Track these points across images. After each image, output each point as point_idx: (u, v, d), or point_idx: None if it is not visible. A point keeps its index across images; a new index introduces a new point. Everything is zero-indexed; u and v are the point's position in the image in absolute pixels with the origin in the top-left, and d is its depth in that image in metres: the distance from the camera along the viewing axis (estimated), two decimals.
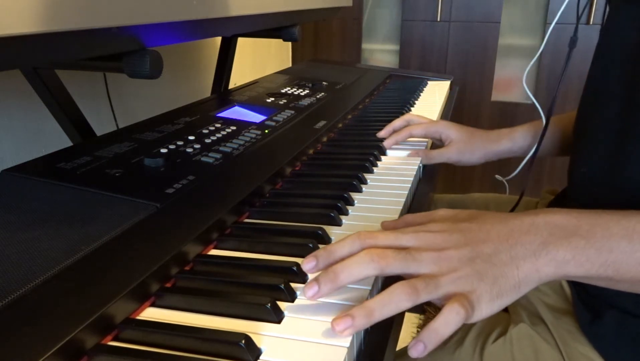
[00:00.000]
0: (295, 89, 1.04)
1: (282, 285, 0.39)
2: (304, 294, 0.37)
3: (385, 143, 0.76)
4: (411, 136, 0.78)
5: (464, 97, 2.07)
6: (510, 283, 0.37)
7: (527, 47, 1.99)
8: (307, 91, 1.03)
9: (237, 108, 0.85)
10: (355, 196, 0.58)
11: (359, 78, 1.24)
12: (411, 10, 2.06)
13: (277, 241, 0.47)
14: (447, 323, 0.35)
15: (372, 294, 0.40)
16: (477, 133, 0.79)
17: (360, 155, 0.71)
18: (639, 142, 0.50)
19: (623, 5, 0.55)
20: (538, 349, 0.56)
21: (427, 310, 0.85)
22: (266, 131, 0.74)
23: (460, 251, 0.38)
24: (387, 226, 0.47)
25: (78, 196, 0.49)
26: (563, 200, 0.72)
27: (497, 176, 0.85)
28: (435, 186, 0.78)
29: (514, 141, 0.78)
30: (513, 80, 2.05)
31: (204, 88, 1.46)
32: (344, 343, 0.34)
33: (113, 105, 1.12)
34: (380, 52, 2.21)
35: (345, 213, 0.54)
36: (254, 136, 0.72)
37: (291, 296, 0.39)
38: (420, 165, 0.71)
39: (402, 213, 0.55)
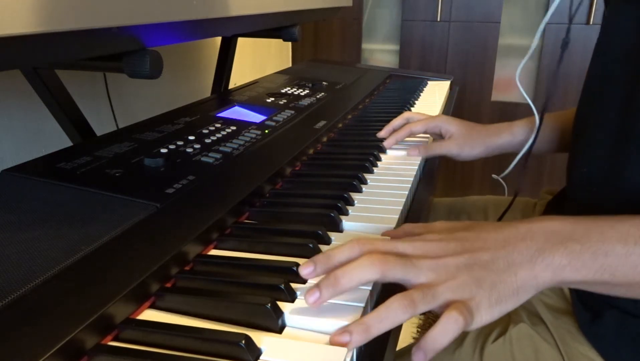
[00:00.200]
0: (295, 89, 1.04)
1: (282, 285, 0.39)
2: (305, 301, 0.37)
3: (386, 143, 0.76)
4: (411, 133, 0.78)
5: (464, 97, 2.07)
6: (508, 290, 0.37)
7: (527, 47, 1.99)
8: (307, 91, 1.03)
9: (237, 108, 0.85)
10: (355, 196, 0.58)
11: (359, 78, 1.24)
12: (411, 10, 2.06)
13: (277, 241, 0.47)
14: (445, 331, 0.35)
15: (372, 295, 0.40)
16: (476, 127, 0.79)
17: (360, 155, 0.71)
18: (638, 143, 0.50)
19: (621, 5, 0.55)
20: (538, 349, 0.56)
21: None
22: (266, 131, 0.74)
23: (457, 258, 0.38)
24: (386, 236, 0.48)
25: (78, 196, 0.49)
26: (562, 200, 0.72)
27: (493, 175, 0.85)
28: (435, 187, 0.78)
29: (513, 134, 0.78)
30: (513, 80, 2.05)
31: (204, 88, 1.46)
32: None
33: (113, 105, 1.12)
34: (380, 52, 2.21)
35: (345, 213, 0.54)
36: (254, 136, 0.72)
37: (291, 296, 0.39)
38: (421, 165, 0.71)
39: (402, 214, 0.55)
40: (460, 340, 0.59)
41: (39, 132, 0.97)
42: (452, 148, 0.76)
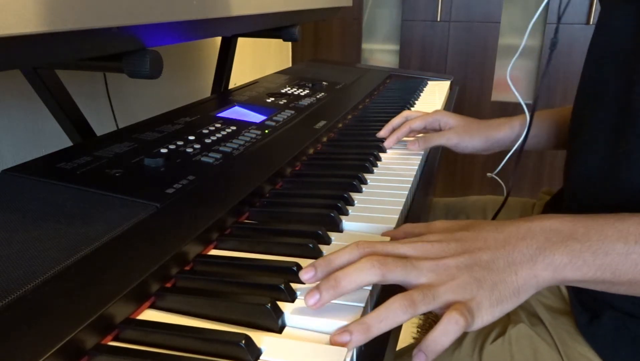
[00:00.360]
0: (295, 89, 1.04)
1: (282, 285, 0.39)
2: (305, 303, 0.37)
3: (387, 143, 0.76)
4: (411, 130, 0.78)
5: (464, 97, 2.07)
6: (509, 289, 0.37)
7: (527, 47, 1.99)
8: (307, 91, 1.03)
9: (237, 108, 0.85)
10: (355, 196, 0.58)
11: (359, 78, 1.24)
12: (411, 10, 2.06)
13: (277, 241, 0.47)
14: (446, 332, 0.35)
15: (373, 296, 0.40)
16: (475, 121, 0.79)
17: (360, 155, 0.71)
18: (634, 143, 0.50)
19: (614, 5, 0.55)
20: (537, 349, 0.56)
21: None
22: (266, 131, 0.74)
23: (457, 259, 0.38)
24: (386, 236, 0.48)
25: (78, 196, 0.49)
26: (560, 200, 0.72)
27: (488, 174, 0.85)
28: (435, 187, 0.78)
29: (513, 128, 0.77)
30: (513, 80, 2.05)
31: (204, 88, 1.46)
32: None
33: (113, 105, 1.12)
34: (380, 52, 2.21)
35: (345, 213, 0.54)
36: (254, 136, 0.72)
37: (291, 296, 0.39)
38: (421, 165, 0.71)
39: (402, 214, 0.55)
40: (459, 340, 0.59)
41: (39, 132, 0.97)
42: (451, 137, 0.76)
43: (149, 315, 0.38)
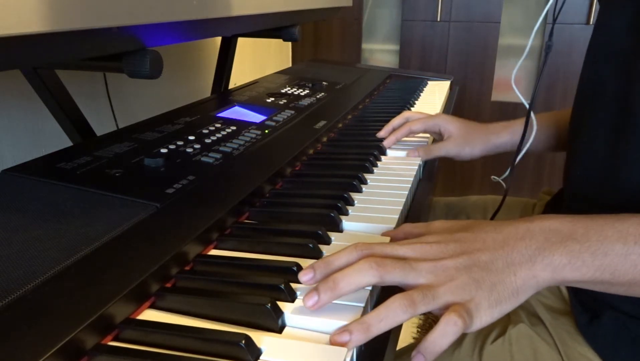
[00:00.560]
0: (295, 89, 1.04)
1: (282, 285, 0.39)
2: (303, 304, 0.37)
3: (386, 142, 0.76)
4: (411, 132, 0.78)
5: (464, 97, 2.07)
6: (508, 290, 0.37)
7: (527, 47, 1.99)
8: (307, 91, 1.03)
9: (237, 108, 0.85)
10: (355, 196, 0.58)
11: (359, 78, 1.24)
12: (411, 10, 2.06)
13: (277, 241, 0.47)
14: (444, 334, 0.35)
15: (373, 295, 0.40)
16: (476, 127, 0.79)
17: (360, 155, 0.71)
18: (633, 144, 0.50)
19: (612, 6, 0.55)
20: (537, 349, 0.56)
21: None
22: (266, 131, 0.74)
23: (456, 260, 0.38)
24: (386, 236, 0.48)
25: (78, 196, 0.49)
26: (560, 201, 0.72)
27: (493, 177, 0.85)
28: (435, 186, 0.78)
29: (513, 133, 0.77)
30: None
31: (204, 88, 1.46)
32: None
33: (113, 105, 1.12)
34: (380, 52, 2.21)
35: (345, 213, 0.54)
36: (254, 136, 0.72)
37: (291, 296, 0.39)
38: (421, 165, 0.71)
39: (402, 214, 0.55)
40: (459, 340, 0.59)
41: (39, 132, 0.97)
42: (451, 149, 0.76)
43: (149, 315, 0.38)
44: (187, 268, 0.43)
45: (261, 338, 0.35)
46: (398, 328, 0.41)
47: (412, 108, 1.03)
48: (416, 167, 0.69)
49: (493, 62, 2.01)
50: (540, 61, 1.96)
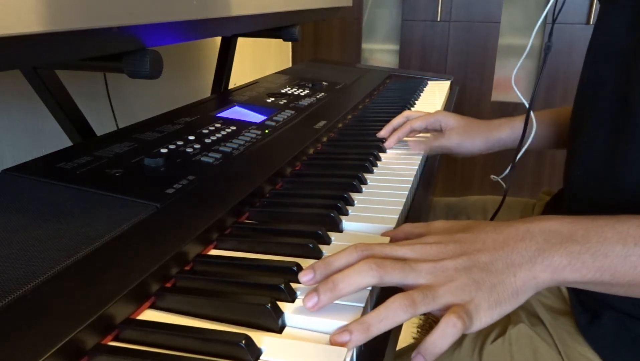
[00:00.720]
0: (295, 89, 1.04)
1: (282, 285, 0.39)
2: (303, 305, 0.37)
3: (387, 143, 0.76)
4: (412, 131, 0.78)
5: (464, 97, 2.07)
6: (508, 291, 0.37)
7: (527, 47, 1.99)
8: (307, 91, 1.03)
9: (237, 108, 0.85)
10: (355, 196, 0.58)
11: (359, 78, 1.24)
12: (411, 10, 2.06)
13: (277, 241, 0.47)
14: (444, 335, 0.35)
15: (373, 296, 0.40)
16: (476, 121, 0.79)
17: (360, 155, 0.71)
18: (633, 144, 0.50)
19: (611, 7, 0.55)
20: (537, 349, 0.56)
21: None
22: (266, 131, 0.74)
23: (456, 261, 0.38)
24: (386, 236, 0.48)
25: (78, 196, 0.49)
26: (560, 201, 0.72)
27: (492, 176, 0.85)
28: (435, 187, 0.78)
29: (514, 129, 0.77)
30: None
31: (204, 88, 1.46)
32: None
33: (113, 105, 1.12)
34: (380, 52, 2.21)
35: (345, 213, 0.54)
36: (254, 136, 0.72)
37: (291, 296, 0.39)
38: (421, 165, 0.71)
39: (401, 214, 0.55)
40: (459, 340, 0.59)
41: (39, 132, 0.97)
42: (452, 141, 0.76)
43: (149, 315, 0.38)
44: (187, 268, 0.43)
45: (261, 338, 0.35)
46: (398, 328, 0.41)
47: (412, 108, 1.03)
48: (416, 167, 0.69)
49: (493, 62, 2.01)
50: (539, 61, 1.96)
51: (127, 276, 0.37)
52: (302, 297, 0.38)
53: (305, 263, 0.43)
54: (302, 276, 0.39)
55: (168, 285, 0.41)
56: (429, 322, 1.07)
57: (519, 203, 0.86)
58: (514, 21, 1.99)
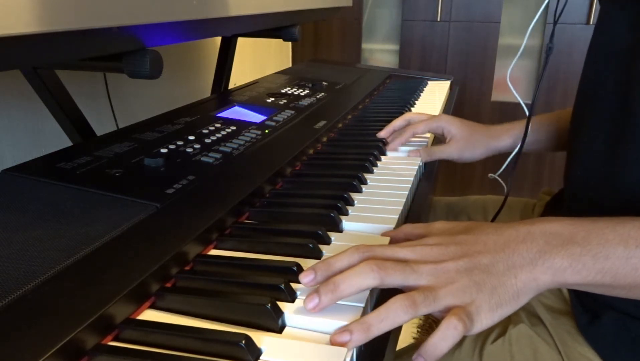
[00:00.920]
0: (295, 89, 1.04)
1: (282, 285, 0.39)
2: (304, 306, 0.37)
3: (390, 147, 0.76)
4: (414, 135, 0.78)
5: (464, 97, 2.07)
6: (509, 293, 0.37)
7: (527, 47, 1.99)
8: (307, 91, 1.03)
9: (237, 108, 0.85)
10: (355, 196, 0.58)
11: (359, 78, 1.24)
12: (411, 10, 2.06)
13: (277, 241, 0.47)
14: (445, 338, 0.35)
15: (373, 297, 0.40)
16: (478, 129, 0.79)
17: (360, 155, 0.71)
18: (633, 144, 0.50)
19: (612, 7, 0.55)
20: (537, 349, 0.56)
21: None
22: (266, 131, 0.74)
23: (457, 263, 0.38)
24: (386, 236, 0.48)
25: (78, 196, 0.49)
26: (560, 201, 0.72)
27: (490, 175, 0.85)
28: (435, 186, 0.78)
29: (514, 137, 0.78)
30: (513, 80, 2.05)
31: (204, 88, 1.46)
32: None
33: (113, 105, 1.12)
34: (380, 52, 2.21)
35: (345, 213, 0.54)
36: (254, 136, 0.72)
37: (291, 296, 0.39)
38: (421, 165, 0.71)
39: (402, 214, 0.55)
40: (459, 340, 0.59)
41: (39, 132, 0.97)
42: (452, 153, 0.76)
43: (149, 315, 0.38)
44: (187, 268, 0.43)
45: (261, 338, 0.35)
46: (398, 328, 0.41)
47: (412, 108, 1.03)
48: (416, 167, 0.69)
49: (493, 62, 2.01)
50: (540, 61, 1.96)
51: (127, 276, 0.37)
52: (302, 297, 0.38)
53: (305, 263, 0.43)
54: (302, 277, 0.39)
55: (168, 285, 0.41)
56: (429, 322, 1.07)
57: (519, 203, 0.86)
58: (514, 21, 1.99)
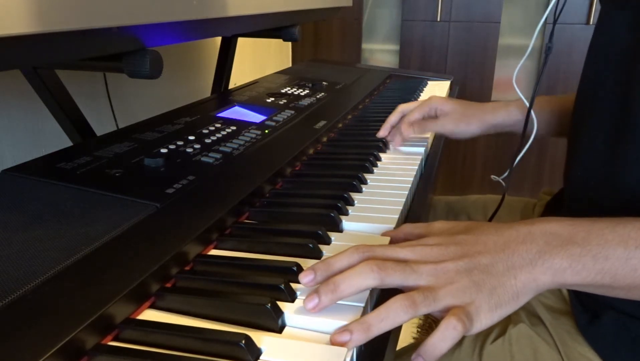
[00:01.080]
0: (295, 89, 1.04)
1: (282, 285, 0.39)
2: (304, 306, 0.37)
3: (394, 143, 0.76)
4: (411, 125, 0.77)
5: (464, 97, 2.06)
6: (508, 293, 0.37)
7: (527, 47, 1.99)
8: (307, 91, 1.03)
9: (237, 108, 0.85)
10: (355, 196, 0.58)
11: (359, 78, 1.24)
12: (411, 10, 2.06)
13: (277, 241, 0.47)
14: (444, 338, 0.35)
15: (372, 299, 0.40)
16: (472, 105, 0.79)
17: (360, 155, 0.71)
18: (633, 144, 0.50)
19: (612, 8, 0.55)
20: (537, 349, 0.56)
21: None
22: (266, 131, 0.74)
23: (457, 263, 0.38)
24: (386, 236, 0.48)
25: (78, 196, 0.49)
26: (560, 201, 0.72)
27: (492, 176, 0.85)
28: (435, 186, 0.78)
29: (509, 113, 0.77)
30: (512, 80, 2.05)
31: (204, 88, 1.46)
32: None
33: (113, 105, 1.12)
34: (380, 52, 2.21)
35: (345, 213, 0.54)
36: (254, 136, 0.72)
37: (291, 296, 0.39)
38: (421, 165, 0.71)
39: (402, 214, 0.55)
40: (459, 340, 0.59)
41: (39, 132, 0.97)
42: (447, 125, 0.76)
43: (149, 315, 0.38)
44: (187, 268, 0.43)
45: (261, 338, 0.35)
46: (398, 328, 0.41)
47: None
48: (416, 167, 0.69)
49: (493, 62, 2.01)
50: (540, 61, 1.96)
51: (127, 276, 0.37)
52: (302, 297, 0.38)
53: (305, 263, 0.43)
54: (302, 277, 0.39)
55: (168, 285, 0.41)
56: (428, 322, 1.07)
57: (519, 203, 0.86)
58: (514, 21, 1.99)
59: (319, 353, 0.33)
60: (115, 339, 0.35)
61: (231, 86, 1.13)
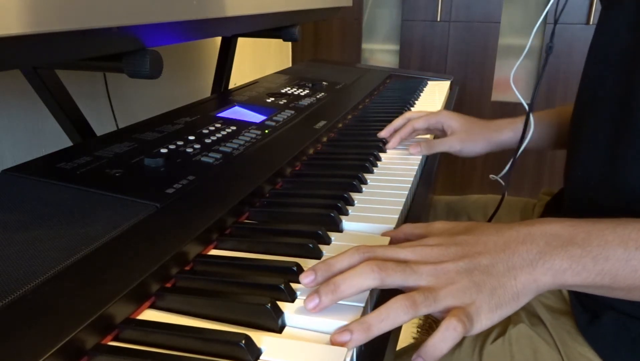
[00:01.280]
0: (295, 89, 1.04)
1: (282, 285, 0.39)
2: (304, 306, 0.37)
3: (390, 144, 0.76)
4: (414, 130, 0.78)
5: (464, 97, 2.07)
6: (509, 294, 0.37)
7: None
8: (307, 91, 1.03)
9: (237, 108, 0.85)
10: (355, 196, 0.58)
11: (359, 78, 1.24)
12: (411, 10, 2.06)
13: (277, 241, 0.47)
14: (444, 339, 0.35)
15: (372, 299, 0.40)
16: (478, 123, 0.79)
17: (360, 155, 0.71)
18: (633, 145, 0.50)
19: (612, 8, 0.55)
20: (537, 349, 0.56)
21: None
22: (266, 131, 0.74)
23: (457, 263, 0.38)
24: (386, 236, 0.48)
25: (78, 196, 0.49)
26: (560, 201, 0.72)
27: (491, 175, 0.85)
28: (435, 186, 0.78)
29: (515, 131, 0.78)
30: (513, 80, 2.05)
31: (204, 88, 1.46)
32: None
33: (113, 105, 1.12)
34: (380, 52, 2.21)
35: (345, 213, 0.54)
36: (254, 136, 0.72)
37: (291, 296, 0.39)
38: (421, 165, 0.71)
39: (402, 214, 0.55)
40: (459, 340, 0.59)
41: (39, 132, 0.97)
42: (454, 144, 0.76)
43: (149, 315, 0.38)
44: (187, 268, 0.43)
45: (261, 338, 0.35)
46: (398, 328, 0.41)
47: (412, 108, 1.03)
48: (416, 167, 0.69)
49: (493, 62, 2.01)
50: (540, 61, 1.96)
51: (127, 276, 0.37)
52: (302, 297, 0.38)
53: (305, 263, 0.43)
54: (303, 278, 0.39)
55: (168, 285, 0.41)
56: (429, 322, 1.07)
57: (519, 203, 0.86)
58: (514, 21, 1.99)
59: (319, 353, 0.33)
60: (115, 339, 0.35)
61: (231, 86, 1.13)
